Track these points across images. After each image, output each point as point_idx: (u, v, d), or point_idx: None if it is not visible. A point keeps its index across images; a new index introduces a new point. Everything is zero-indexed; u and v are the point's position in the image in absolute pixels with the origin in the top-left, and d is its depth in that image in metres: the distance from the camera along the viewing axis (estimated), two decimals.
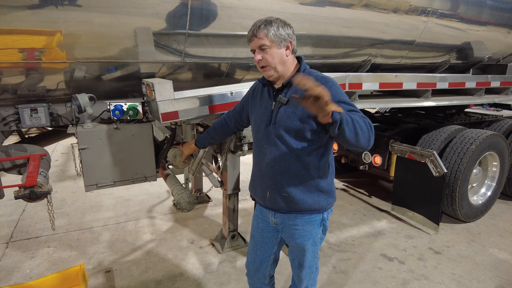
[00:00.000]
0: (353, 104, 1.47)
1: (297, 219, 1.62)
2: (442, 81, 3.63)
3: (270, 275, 1.88)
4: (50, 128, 2.86)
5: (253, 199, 1.81)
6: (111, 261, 2.94)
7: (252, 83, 2.56)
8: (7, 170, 2.27)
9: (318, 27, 2.75)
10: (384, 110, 5.60)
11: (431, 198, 3.43)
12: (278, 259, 1.89)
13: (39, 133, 3.08)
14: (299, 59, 1.61)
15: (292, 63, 1.56)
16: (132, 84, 2.46)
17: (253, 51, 1.54)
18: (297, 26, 2.58)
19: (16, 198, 1.93)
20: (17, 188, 1.97)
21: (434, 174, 3.28)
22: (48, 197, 2.08)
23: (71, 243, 3.21)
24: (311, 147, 1.53)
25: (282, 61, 1.51)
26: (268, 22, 1.47)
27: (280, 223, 1.69)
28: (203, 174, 3.00)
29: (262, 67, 1.53)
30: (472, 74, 4.23)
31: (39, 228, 3.47)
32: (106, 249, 3.11)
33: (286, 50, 1.50)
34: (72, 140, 2.98)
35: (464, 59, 4.01)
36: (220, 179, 2.91)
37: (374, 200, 4.38)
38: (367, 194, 4.60)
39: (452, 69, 4.16)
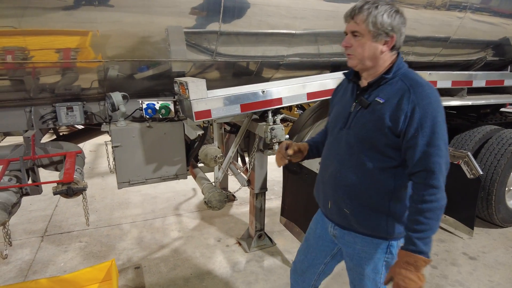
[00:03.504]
0: (441, 133, 1.19)
1: (357, 238, 1.41)
2: (479, 78, 3.48)
3: (315, 286, 1.72)
4: (80, 127, 2.94)
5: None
6: (140, 257, 2.99)
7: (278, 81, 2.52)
8: (45, 166, 2.34)
9: (344, 24, 2.68)
10: None
11: (465, 201, 3.28)
12: (329, 272, 1.70)
13: (70, 132, 3.17)
14: (397, 54, 1.33)
15: (387, 60, 1.29)
16: (163, 83, 2.48)
17: (345, 33, 1.32)
18: (322, 23, 2.55)
19: (54, 193, 1.99)
20: (55, 184, 2.03)
21: (469, 176, 3.14)
22: (84, 193, 2.13)
23: (101, 239, 3.29)
24: (387, 164, 1.29)
25: (373, 57, 1.27)
26: (374, 6, 1.22)
27: (338, 237, 1.50)
28: (230, 173, 3.00)
29: (348, 54, 1.32)
30: (511, 71, 4.03)
31: (71, 223, 3.57)
32: (134, 246, 3.17)
33: (383, 45, 1.25)
34: (101, 139, 3.06)
35: (502, 56, 3.82)
36: (247, 178, 2.90)
37: None
38: None
39: (488, 66, 3.97)
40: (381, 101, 1.26)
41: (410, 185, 1.31)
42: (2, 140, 2.98)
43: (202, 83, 2.06)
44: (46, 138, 2.72)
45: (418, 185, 1.22)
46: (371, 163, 1.29)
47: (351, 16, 1.28)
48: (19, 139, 2.28)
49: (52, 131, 2.84)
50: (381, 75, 1.28)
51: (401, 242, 1.36)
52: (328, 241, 1.58)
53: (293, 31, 2.45)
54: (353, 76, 1.40)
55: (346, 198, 1.36)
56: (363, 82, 1.35)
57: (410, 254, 1.20)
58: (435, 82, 3.18)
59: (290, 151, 1.57)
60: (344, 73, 1.46)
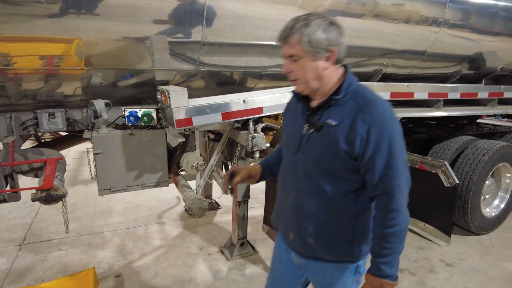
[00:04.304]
0: (399, 152, 1.16)
1: (326, 265, 1.34)
2: (454, 91, 3.63)
3: None
4: (63, 134, 2.93)
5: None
6: (121, 265, 2.96)
7: (260, 91, 2.58)
8: (24, 173, 2.32)
9: None
10: None
11: (443, 209, 3.38)
12: None
13: (53, 138, 3.15)
14: (345, 68, 1.25)
15: (333, 76, 1.21)
16: (147, 91, 2.51)
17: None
18: None
19: (33, 200, 1.98)
20: (34, 191, 2.02)
21: (446, 185, 3.24)
22: (63, 200, 2.13)
23: (82, 247, 3.25)
24: (348, 188, 1.22)
25: (317, 77, 1.18)
26: (304, 23, 1.12)
27: (304, 266, 1.41)
28: (213, 180, 3.02)
29: (292, 79, 1.24)
30: (485, 84, 4.21)
31: (51, 231, 3.52)
32: (116, 254, 3.14)
33: (326, 61, 1.17)
34: (85, 145, 3.05)
35: (476, 70, 3.99)
36: (230, 186, 2.93)
37: None
38: None
39: (464, 79, 4.14)
40: (334, 123, 1.18)
41: (373, 205, 1.28)
42: None
43: (183, 91, 2.11)
44: (29, 145, 2.70)
45: (379, 208, 1.20)
46: (331, 188, 1.22)
47: (284, 39, 1.17)
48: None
49: (34, 137, 2.83)
50: (330, 96, 1.20)
51: (367, 258, 1.36)
52: (296, 268, 1.47)
53: (275, 43, 2.53)
54: (300, 96, 1.29)
55: (309, 227, 1.28)
56: (314, 102, 1.26)
57: (376, 278, 1.19)
58: (412, 94, 3.30)
59: (237, 179, 1.53)
60: (292, 92, 1.34)
